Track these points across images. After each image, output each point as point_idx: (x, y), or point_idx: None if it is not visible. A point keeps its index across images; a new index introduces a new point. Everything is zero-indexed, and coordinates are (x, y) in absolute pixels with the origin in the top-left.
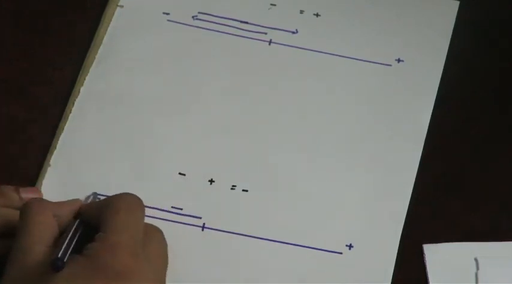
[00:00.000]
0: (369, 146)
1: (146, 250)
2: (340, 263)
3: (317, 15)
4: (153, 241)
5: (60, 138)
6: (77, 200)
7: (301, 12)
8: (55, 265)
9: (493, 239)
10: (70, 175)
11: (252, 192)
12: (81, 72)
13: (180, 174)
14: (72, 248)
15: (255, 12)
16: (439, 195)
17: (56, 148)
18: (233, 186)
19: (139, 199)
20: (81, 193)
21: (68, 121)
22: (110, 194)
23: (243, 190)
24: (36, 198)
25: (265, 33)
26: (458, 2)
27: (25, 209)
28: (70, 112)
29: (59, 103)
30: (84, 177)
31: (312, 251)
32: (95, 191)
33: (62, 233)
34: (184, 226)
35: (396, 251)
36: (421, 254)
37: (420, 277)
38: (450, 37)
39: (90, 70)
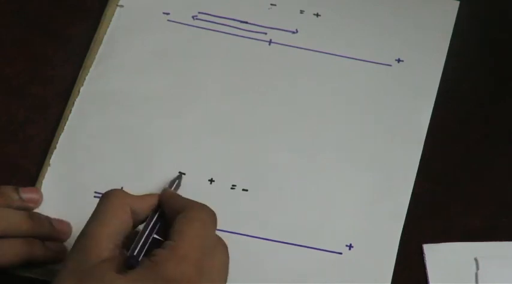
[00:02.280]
0: (368, 146)
1: (210, 263)
2: (340, 263)
3: (317, 15)
4: (218, 256)
5: (60, 138)
6: (155, 195)
7: (301, 12)
8: (129, 263)
9: (493, 239)
10: (70, 175)
11: (251, 192)
12: (81, 72)
13: (180, 173)
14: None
15: (255, 12)
16: (439, 195)
17: (56, 148)
18: (233, 185)
19: (213, 212)
20: (81, 193)
21: (68, 121)
22: None
23: (243, 190)
24: (118, 190)
25: (265, 33)
26: (458, 2)
27: (106, 197)
28: (70, 112)
29: (59, 103)
30: (84, 177)
31: (312, 251)
32: (180, 171)
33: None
34: None
35: (396, 251)
36: (421, 254)
37: (420, 277)
38: (450, 37)
39: (90, 70)
